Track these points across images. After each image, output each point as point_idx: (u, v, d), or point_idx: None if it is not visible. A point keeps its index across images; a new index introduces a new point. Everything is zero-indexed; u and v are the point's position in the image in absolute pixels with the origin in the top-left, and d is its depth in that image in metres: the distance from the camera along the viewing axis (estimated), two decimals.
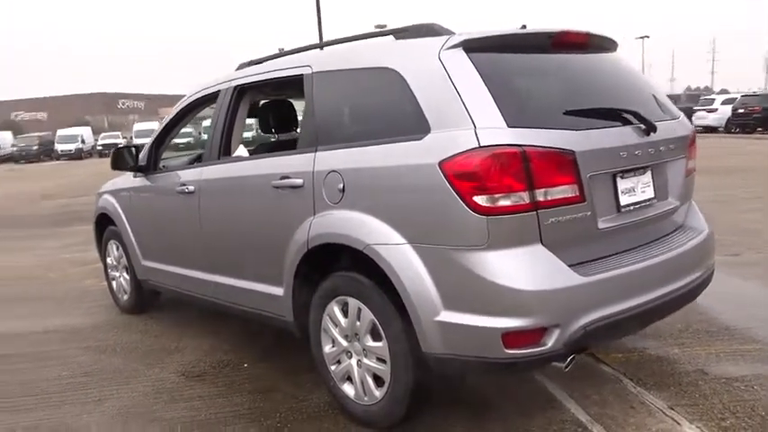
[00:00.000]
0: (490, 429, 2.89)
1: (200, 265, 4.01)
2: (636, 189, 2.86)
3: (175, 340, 4.40)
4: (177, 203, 4.09)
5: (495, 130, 2.44)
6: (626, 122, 2.80)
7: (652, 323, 3.32)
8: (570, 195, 2.52)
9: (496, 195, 2.40)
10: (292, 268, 3.16)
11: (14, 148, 44.00)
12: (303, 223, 3.06)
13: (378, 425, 2.92)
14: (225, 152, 3.82)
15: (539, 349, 2.44)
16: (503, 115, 2.46)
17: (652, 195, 2.95)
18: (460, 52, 2.64)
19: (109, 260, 5.27)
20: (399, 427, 2.88)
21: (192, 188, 3.93)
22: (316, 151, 3.08)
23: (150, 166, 4.54)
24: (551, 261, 2.47)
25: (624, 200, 2.79)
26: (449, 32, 2.81)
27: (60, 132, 44.61)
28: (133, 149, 4.57)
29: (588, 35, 3.00)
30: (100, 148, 44.00)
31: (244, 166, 3.63)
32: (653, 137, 2.84)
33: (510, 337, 2.41)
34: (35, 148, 42.68)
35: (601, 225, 2.66)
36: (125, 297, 5.10)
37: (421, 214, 2.60)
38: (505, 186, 2.40)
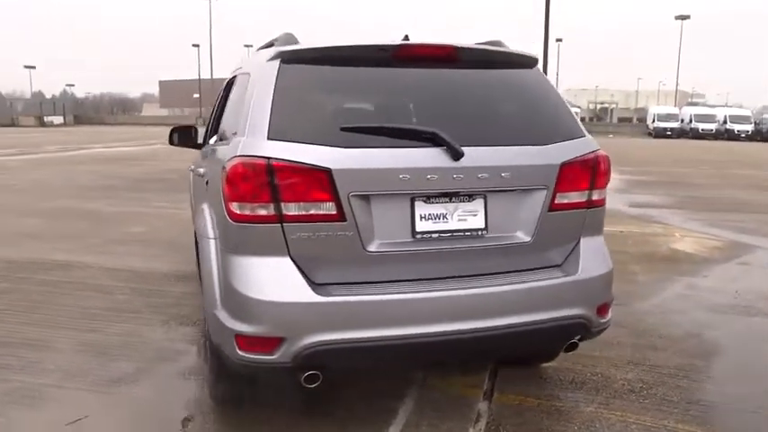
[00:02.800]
0: None
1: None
2: (449, 216, 2.63)
3: (190, 297, 5.07)
4: (193, 179, 4.74)
5: (253, 141, 2.52)
6: (437, 144, 2.58)
7: (436, 359, 3.06)
8: (324, 213, 2.49)
9: (243, 204, 2.50)
10: (195, 249, 3.55)
11: None
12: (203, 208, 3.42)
13: (213, 398, 3.18)
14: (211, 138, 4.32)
15: (266, 358, 2.50)
16: (270, 128, 2.53)
17: (481, 226, 2.67)
18: (276, 63, 2.72)
19: None
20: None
21: (192, 167, 4.53)
22: (216, 144, 3.41)
23: (205, 144, 5.24)
24: (289, 274, 2.49)
25: (423, 226, 2.60)
26: (293, 42, 2.88)
27: None
28: (193, 130, 5.31)
29: (440, 48, 2.80)
30: None
31: (203, 152, 4.09)
32: (467, 162, 2.57)
33: (241, 340, 2.52)
34: None
35: (372, 248, 2.54)
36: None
37: (217, 213, 2.79)
38: (251, 196, 2.49)
